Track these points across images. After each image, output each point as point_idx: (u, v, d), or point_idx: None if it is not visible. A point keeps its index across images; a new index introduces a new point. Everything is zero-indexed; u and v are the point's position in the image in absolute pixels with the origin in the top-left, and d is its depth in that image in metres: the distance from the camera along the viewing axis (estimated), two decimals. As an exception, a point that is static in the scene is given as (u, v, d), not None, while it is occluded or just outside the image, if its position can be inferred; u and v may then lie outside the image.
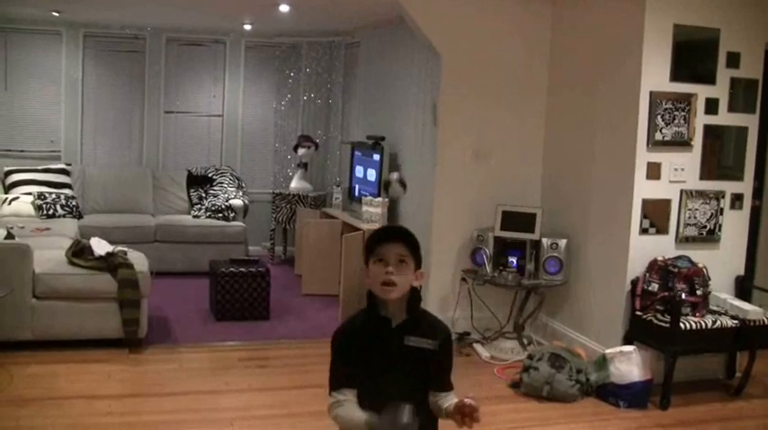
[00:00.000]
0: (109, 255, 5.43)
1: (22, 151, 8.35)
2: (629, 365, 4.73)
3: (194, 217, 8.22)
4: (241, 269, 6.33)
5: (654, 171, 4.97)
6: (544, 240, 5.59)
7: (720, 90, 5.06)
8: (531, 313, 5.81)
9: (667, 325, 4.66)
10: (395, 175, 6.75)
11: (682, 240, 5.08)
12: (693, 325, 4.67)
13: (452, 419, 2.24)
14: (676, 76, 4.94)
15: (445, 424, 2.36)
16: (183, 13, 7.60)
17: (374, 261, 2.31)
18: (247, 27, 8.37)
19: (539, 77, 6.02)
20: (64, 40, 8.37)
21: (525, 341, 5.73)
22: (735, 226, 5.23)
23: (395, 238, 2.33)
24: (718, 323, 4.75)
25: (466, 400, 2.19)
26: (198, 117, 8.98)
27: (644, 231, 5.00)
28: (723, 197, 5.14)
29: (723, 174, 5.15)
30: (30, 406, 4.29)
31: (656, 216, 5.02)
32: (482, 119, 5.89)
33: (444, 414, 2.31)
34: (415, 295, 2.36)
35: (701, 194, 5.08)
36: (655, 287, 4.82)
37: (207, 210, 8.19)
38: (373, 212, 6.77)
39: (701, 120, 5.02)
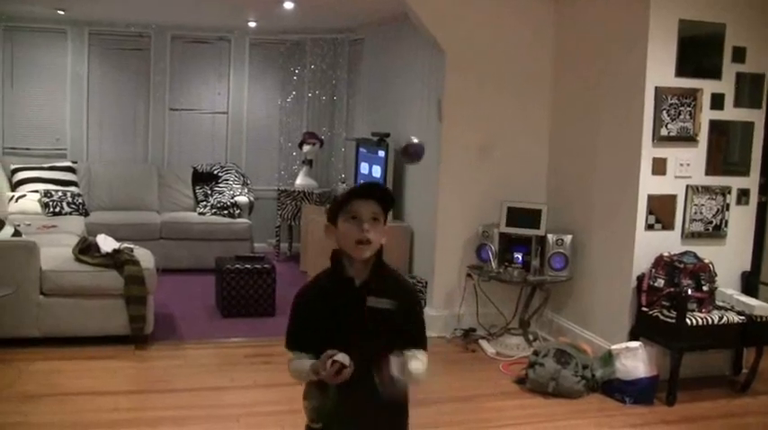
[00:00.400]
0: (115, 252, 5.44)
1: (27, 149, 8.37)
2: (635, 361, 4.72)
3: (200, 214, 8.24)
4: (246, 266, 6.34)
5: (659, 166, 4.96)
6: (549, 236, 5.59)
7: (726, 85, 5.04)
8: (536, 309, 5.81)
9: (673, 321, 4.65)
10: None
11: (688, 236, 5.07)
12: (699, 321, 4.67)
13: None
14: (682, 71, 4.93)
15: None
16: (188, 10, 7.60)
17: (346, 218, 2.26)
18: (252, 24, 8.38)
19: (543, 73, 6.01)
20: (69, 38, 8.39)
21: (531, 337, 5.73)
22: (741, 221, 5.22)
23: (370, 196, 2.27)
24: (725, 319, 4.75)
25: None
26: (203, 114, 8.99)
27: (649, 227, 5.00)
28: (729, 192, 5.13)
29: (729, 169, 5.14)
30: (36, 401, 4.31)
31: (661, 212, 5.01)
32: (486, 115, 5.88)
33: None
34: (379, 254, 2.32)
35: (706, 190, 5.07)
36: (661, 283, 4.81)
37: (212, 207, 8.21)
38: (378, 209, 6.76)
39: (706, 115, 5.01)
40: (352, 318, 2.24)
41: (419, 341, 2.35)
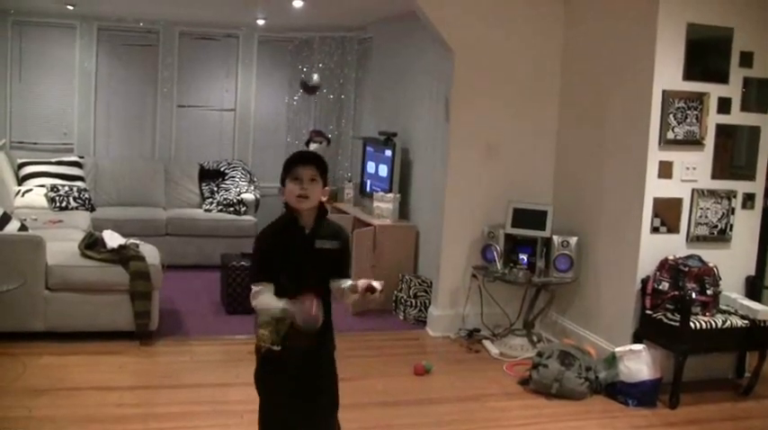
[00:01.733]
0: (121, 247, 5.46)
1: (35, 143, 8.41)
2: (639, 364, 4.73)
3: (206, 211, 8.26)
4: (252, 263, 6.35)
5: (666, 170, 4.97)
6: (555, 238, 5.59)
7: (733, 89, 5.04)
8: (540, 310, 5.82)
9: (677, 324, 4.65)
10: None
11: (693, 239, 5.07)
12: (703, 324, 4.67)
13: (354, 293, 2.87)
14: (689, 74, 4.93)
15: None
16: (197, 7, 7.62)
17: (291, 179, 2.84)
18: (260, 22, 8.39)
19: (551, 74, 6.01)
20: (78, 33, 8.42)
21: (535, 338, 5.74)
22: (746, 225, 5.22)
23: (308, 162, 2.86)
24: (728, 323, 4.75)
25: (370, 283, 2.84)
26: (210, 111, 9.02)
27: (655, 230, 5.00)
28: (735, 196, 5.13)
29: (735, 173, 5.14)
30: (42, 396, 4.33)
31: (667, 215, 5.01)
32: (494, 115, 5.89)
33: (344, 292, 2.91)
34: (322, 208, 2.92)
35: (712, 194, 5.07)
36: (665, 286, 4.81)
37: (218, 203, 8.23)
38: (384, 208, 6.79)
39: (713, 119, 5.01)
40: (303, 256, 2.86)
41: (347, 274, 3.02)
